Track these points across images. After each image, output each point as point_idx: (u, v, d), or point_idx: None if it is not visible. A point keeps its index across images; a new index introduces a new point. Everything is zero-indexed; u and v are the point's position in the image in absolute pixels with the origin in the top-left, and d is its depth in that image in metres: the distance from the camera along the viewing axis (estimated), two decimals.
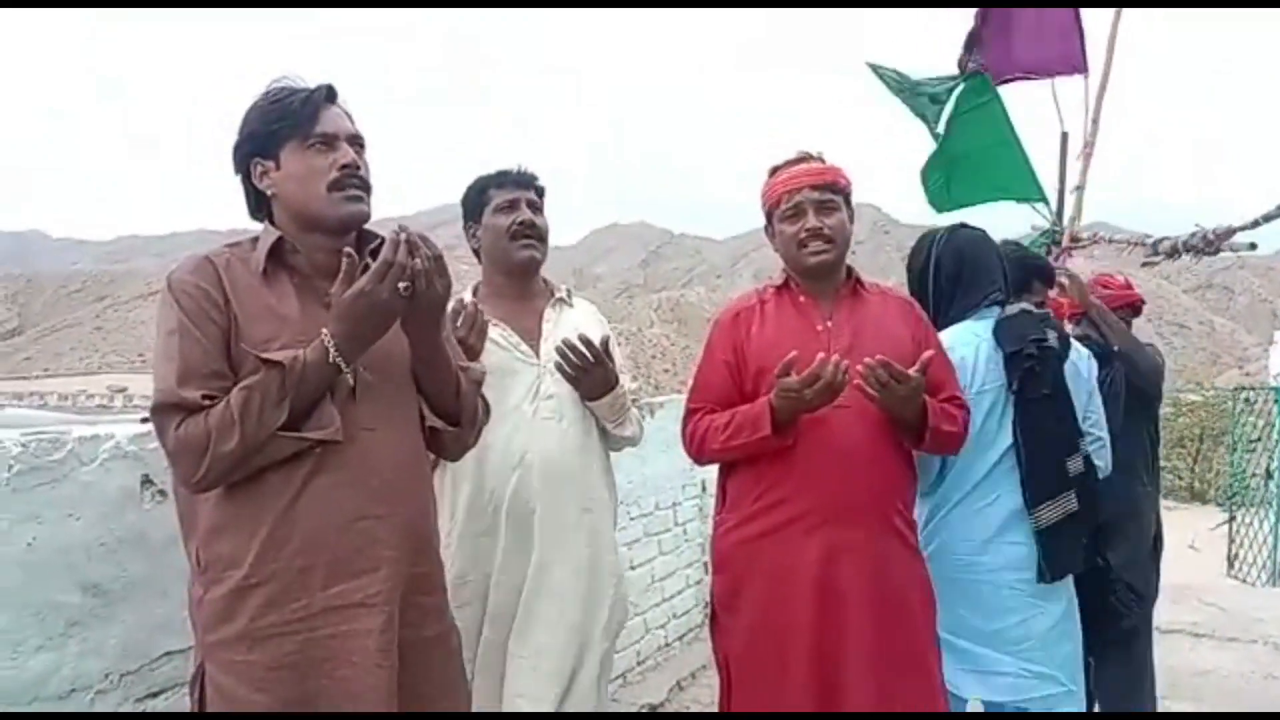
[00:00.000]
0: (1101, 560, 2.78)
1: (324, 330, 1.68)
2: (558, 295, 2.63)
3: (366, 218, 1.84)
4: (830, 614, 2.23)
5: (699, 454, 2.46)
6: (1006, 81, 5.90)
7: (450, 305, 2.20)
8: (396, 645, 1.75)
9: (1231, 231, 4.24)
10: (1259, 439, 11.09)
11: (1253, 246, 4.07)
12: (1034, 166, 6.04)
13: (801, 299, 2.44)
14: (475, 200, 2.60)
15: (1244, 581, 9.91)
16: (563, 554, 2.43)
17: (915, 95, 5.91)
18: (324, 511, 1.70)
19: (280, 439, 1.65)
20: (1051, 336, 2.57)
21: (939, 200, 6.14)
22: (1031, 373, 2.52)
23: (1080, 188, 6.09)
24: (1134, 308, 3.90)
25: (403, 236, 1.68)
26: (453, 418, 1.93)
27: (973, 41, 5.94)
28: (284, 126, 1.78)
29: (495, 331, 2.45)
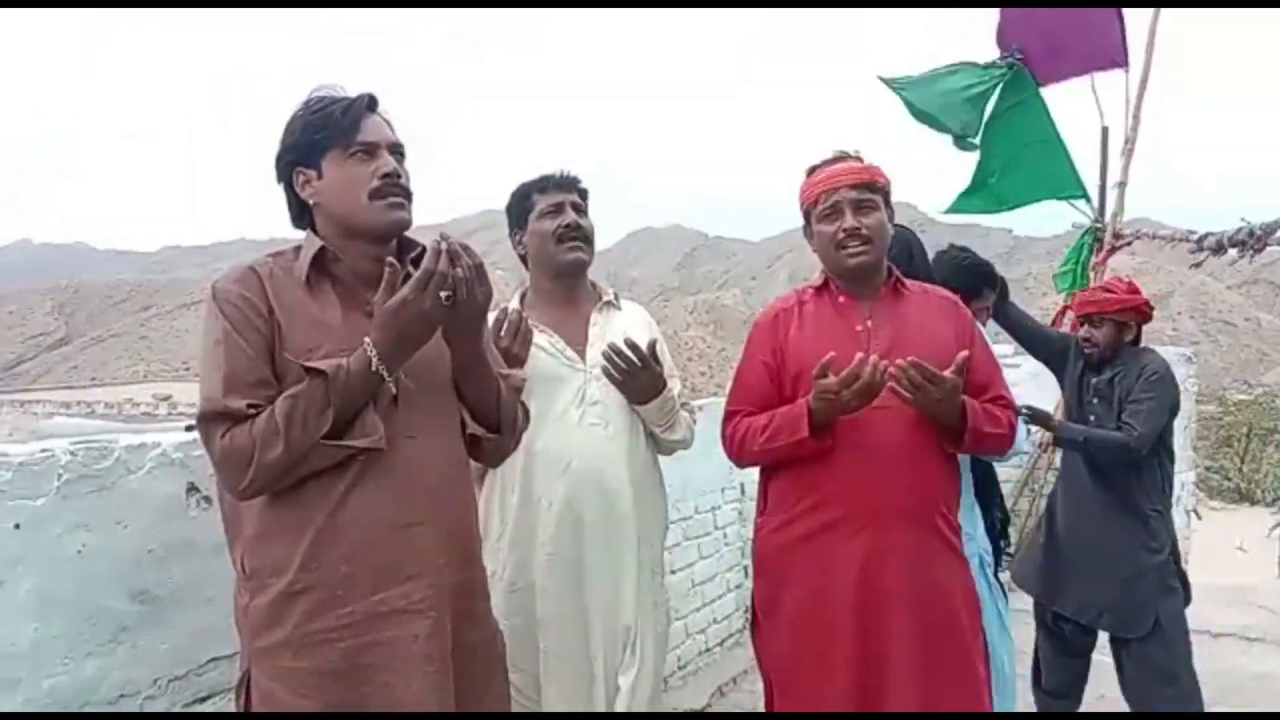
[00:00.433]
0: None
1: (366, 339, 1.69)
2: (605, 299, 2.62)
3: (408, 225, 1.85)
4: (872, 616, 2.21)
5: (739, 457, 2.45)
6: (1051, 82, 5.84)
7: (494, 314, 2.21)
8: (448, 651, 1.76)
9: (1278, 226, 4.16)
10: None
11: None
12: (1075, 163, 5.97)
13: (841, 300, 2.42)
14: (519, 207, 2.59)
15: None
16: (610, 560, 2.42)
17: (940, 102, 5.82)
18: (367, 519, 1.71)
19: (324, 447, 1.66)
20: None
21: (978, 201, 6.07)
22: None
23: (1122, 183, 6.00)
24: (1138, 312, 3.47)
25: (444, 245, 1.68)
26: (493, 425, 1.94)
27: (1006, 35, 5.88)
28: (326, 136, 1.80)
29: (542, 338, 2.44)
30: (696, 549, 4.73)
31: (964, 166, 5.99)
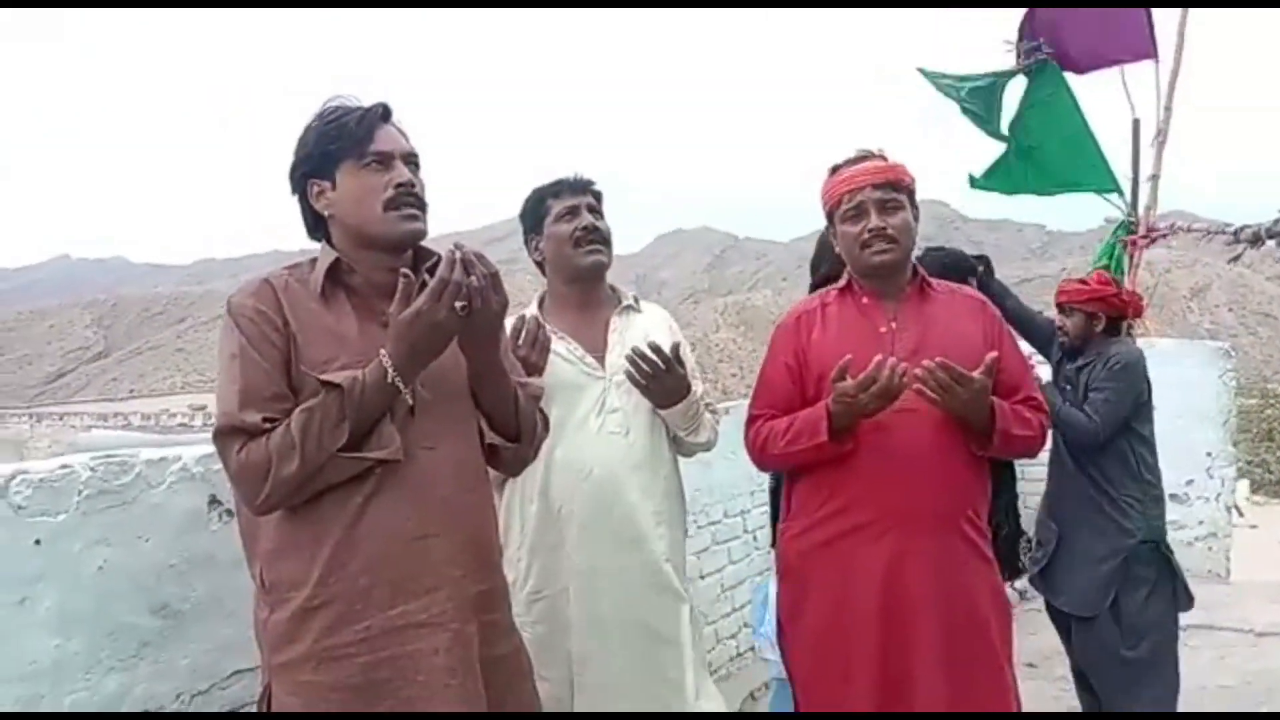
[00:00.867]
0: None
1: (382, 351, 1.67)
2: (625, 303, 2.59)
3: (423, 235, 1.84)
4: (896, 621, 2.18)
5: (761, 461, 2.42)
6: (1081, 71, 5.77)
7: (510, 322, 2.18)
8: (475, 663, 1.74)
9: None
10: None
11: None
12: (1107, 157, 5.88)
13: (865, 301, 2.38)
14: (534, 212, 2.56)
15: None
16: (632, 567, 2.40)
17: (971, 94, 5.82)
18: (385, 531, 1.70)
19: (341, 460, 1.65)
20: None
21: (1007, 180, 6.01)
22: None
23: (1155, 176, 5.90)
24: (1107, 304, 3.43)
25: (458, 255, 1.67)
26: (511, 434, 1.92)
27: (1030, 32, 5.82)
28: (339, 146, 1.78)
29: (560, 345, 2.41)
30: (726, 553, 4.69)
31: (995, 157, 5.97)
